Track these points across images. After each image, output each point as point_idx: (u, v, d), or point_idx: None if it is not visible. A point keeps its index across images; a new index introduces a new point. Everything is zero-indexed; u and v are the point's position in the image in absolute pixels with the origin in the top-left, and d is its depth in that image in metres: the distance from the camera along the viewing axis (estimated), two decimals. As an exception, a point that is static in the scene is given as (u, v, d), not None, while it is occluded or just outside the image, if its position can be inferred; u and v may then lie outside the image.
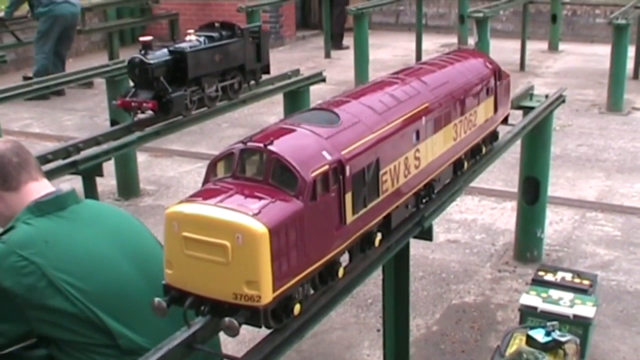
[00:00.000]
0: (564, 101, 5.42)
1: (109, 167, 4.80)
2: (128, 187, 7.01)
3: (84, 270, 2.62)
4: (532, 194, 5.45)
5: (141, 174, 7.23)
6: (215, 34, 4.89)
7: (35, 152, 4.70)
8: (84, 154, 4.28)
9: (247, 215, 2.04)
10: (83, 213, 2.79)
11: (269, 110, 9.34)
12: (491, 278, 5.38)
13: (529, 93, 5.31)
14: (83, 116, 10.00)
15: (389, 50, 13.96)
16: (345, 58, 12.59)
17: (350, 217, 2.40)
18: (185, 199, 2.19)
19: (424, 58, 12.02)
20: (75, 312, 2.57)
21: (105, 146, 4.41)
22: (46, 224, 2.68)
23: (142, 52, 4.50)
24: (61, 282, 2.56)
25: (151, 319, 2.30)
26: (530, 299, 4.09)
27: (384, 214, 2.70)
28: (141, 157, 7.52)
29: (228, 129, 9.04)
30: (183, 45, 4.63)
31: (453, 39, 14.40)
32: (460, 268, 5.52)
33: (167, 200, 6.86)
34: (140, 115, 4.79)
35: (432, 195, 3.21)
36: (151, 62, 4.42)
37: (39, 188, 2.78)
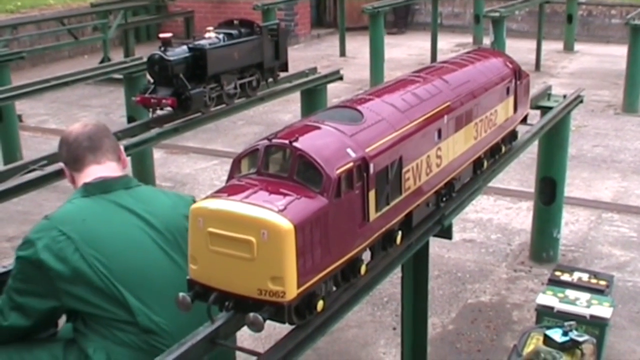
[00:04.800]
0: (581, 101, 5.42)
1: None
2: (144, 183, 6.99)
3: (113, 250, 2.79)
4: (548, 194, 5.44)
5: (157, 170, 7.23)
6: (234, 32, 4.90)
7: (53, 149, 4.74)
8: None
9: (273, 212, 2.05)
10: (126, 198, 2.95)
11: (284, 108, 9.35)
12: (507, 278, 5.37)
13: (547, 93, 5.30)
14: (99, 112, 10.02)
15: (404, 50, 13.96)
16: (360, 57, 12.59)
17: (373, 215, 2.41)
18: (210, 195, 2.20)
19: (440, 57, 12.02)
20: (101, 286, 2.73)
21: (124, 142, 4.42)
22: (87, 204, 2.89)
23: (162, 49, 4.52)
24: (91, 258, 2.73)
25: (171, 303, 2.34)
26: (547, 299, 4.08)
27: (406, 212, 2.70)
28: (157, 154, 7.53)
29: (243, 127, 9.06)
30: (202, 42, 4.65)
31: (468, 39, 14.39)
32: (475, 267, 5.52)
33: (183, 197, 6.88)
34: (159, 112, 4.80)
35: (452, 194, 3.21)
36: (171, 59, 4.44)
37: (98, 171, 2.99)
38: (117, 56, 12.06)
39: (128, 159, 5.37)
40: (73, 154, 3.02)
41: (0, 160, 7.38)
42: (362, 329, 4.72)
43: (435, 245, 5.36)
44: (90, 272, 2.72)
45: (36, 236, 2.77)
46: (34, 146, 8.09)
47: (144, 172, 6.96)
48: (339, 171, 2.21)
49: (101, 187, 2.94)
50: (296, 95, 6.22)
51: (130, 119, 6.27)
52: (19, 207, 6.37)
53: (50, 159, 4.26)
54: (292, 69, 5.76)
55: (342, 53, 13.51)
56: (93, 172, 2.99)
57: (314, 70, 6.14)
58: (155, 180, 7.11)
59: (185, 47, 4.60)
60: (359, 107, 2.61)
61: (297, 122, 2.52)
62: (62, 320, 3.08)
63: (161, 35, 4.59)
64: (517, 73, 3.81)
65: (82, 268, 2.72)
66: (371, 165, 2.37)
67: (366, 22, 11.67)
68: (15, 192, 3.98)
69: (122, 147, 3.26)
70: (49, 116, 9.91)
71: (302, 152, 2.20)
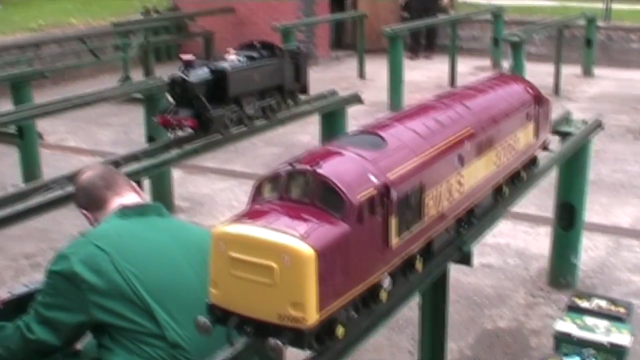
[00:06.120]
0: (601, 128, 5.40)
1: (144, 182, 4.89)
2: (162, 203, 6.91)
3: (147, 264, 2.88)
4: (567, 219, 5.42)
5: (175, 190, 7.26)
6: (255, 54, 4.92)
7: (72, 167, 4.77)
8: (124, 170, 4.31)
9: (295, 237, 2.05)
10: (160, 223, 3.09)
11: (302, 130, 9.35)
12: (525, 303, 5.35)
13: (566, 118, 5.29)
14: (118, 131, 10.07)
15: (423, 72, 13.97)
16: (379, 79, 12.60)
17: (394, 241, 2.41)
18: (232, 219, 2.20)
19: (459, 80, 12.04)
20: (133, 299, 2.81)
21: (145, 163, 4.44)
22: (123, 223, 3.02)
23: (183, 70, 4.54)
24: (125, 271, 2.82)
25: None
26: (565, 325, 4.06)
27: (427, 238, 2.70)
28: (175, 174, 7.54)
29: (262, 148, 9.07)
30: (224, 64, 4.67)
31: (486, 62, 14.39)
32: (493, 292, 5.50)
33: (201, 217, 6.89)
34: (179, 133, 4.82)
35: (473, 220, 3.21)
36: (192, 80, 4.46)
37: (123, 201, 3.14)
38: (137, 75, 12.14)
39: (146, 181, 5.40)
40: (92, 195, 3.17)
41: (20, 178, 7.42)
42: (379, 354, 4.71)
43: (453, 270, 5.27)
44: (123, 284, 2.81)
45: (71, 251, 2.88)
46: (54, 164, 8.13)
47: (162, 191, 6.99)
48: (360, 197, 2.22)
49: (137, 210, 3.09)
50: (314, 116, 6.23)
51: (150, 139, 6.31)
52: (38, 225, 6.38)
53: (71, 178, 4.28)
54: (311, 90, 5.77)
55: (361, 75, 13.54)
56: (116, 203, 3.13)
57: (333, 92, 6.15)
58: (173, 200, 7.13)
59: (206, 69, 4.62)
60: (380, 133, 2.62)
61: (319, 147, 2.53)
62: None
63: (183, 56, 4.61)
64: (538, 99, 3.80)
65: (116, 280, 2.80)
66: (393, 191, 2.37)
67: (385, 44, 11.68)
68: (36, 212, 4.01)
69: (133, 183, 3.40)
70: (69, 134, 9.96)
71: (324, 177, 2.20)
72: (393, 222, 2.39)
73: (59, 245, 6.15)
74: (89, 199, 3.17)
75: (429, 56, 15.65)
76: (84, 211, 3.20)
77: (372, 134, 2.62)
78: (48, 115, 6.53)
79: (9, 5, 18.37)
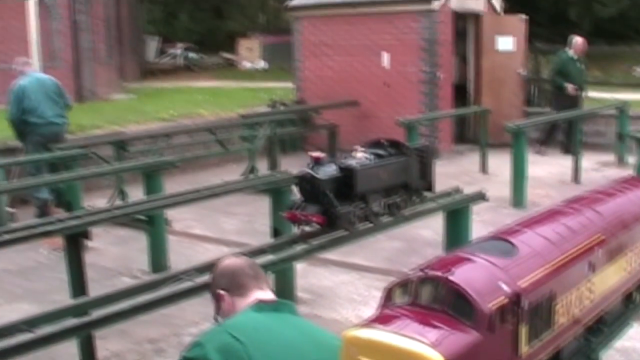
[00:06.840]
0: None
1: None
2: (285, 295, 7.06)
3: (279, 358, 2.92)
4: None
5: (297, 281, 7.31)
6: (382, 151, 5.01)
7: (198, 255, 4.91)
8: (252, 264, 4.41)
9: (425, 344, 2.08)
10: (294, 321, 3.15)
11: (424, 224, 9.29)
12: (654, 412, 5.17)
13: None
14: (243, 221, 10.25)
15: (545, 167, 13.77)
16: (501, 174, 12.50)
17: (524, 350, 2.41)
18: (363, 323, 2.25)
19: (583, 177, 11.85)
20: None
21: (272, 257, 4.54)
22: (259, 317, 3.09)
23: (312, 166, 4.65)
24: None
25: None
26: None
27: (556, 347, 2.68)
28: (298, 265, 7.60)
29: (384, 241, 9.05)
30: (351, 162, 4.76)
31: (610, 157, 14.13)
32: (621, 399, 5.33)
33: (323, 310, 6.92)
34: (305, 228, 4.91)
35: (602, 327, 3.16)
36: (321, 177, 4.56)
37: (262, 295, 3.22)
38: (262, 164, 12.39)
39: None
40: (238, 281, 3.24)
41: (147, 263, 7.64)
42: None
43: (579, 373, 5.21)
44: None
45: (206, 339, 2.97)
46: (181, 251, 8.32)
47: (285, 283, 7.04)
48: (492, 305, 2.24)
49: (273, 306, 3.16)
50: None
51: (276, 232, 6.43)
52: (162, 310, 6.54)
53: (200, 269, 4.42)
54: (435, 184, 5.79)
55: (483, 169, 13.46)
56: (256, 295, 3.21)
57: (457, 190, 6.17)
58: (295, 291, 7.19)
59: (334, 166, 4.73)
60: (510, 239, 2.64)
61: (450, 254, 2.56)
62: None
63: (312, 154, 4.73)
64: (669, 203, 3.75)
65: None
66: (524, 300, 2.38)
67: (507, 138, 11.61)
68: (166, 302, 4.14)
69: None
70: (196, 222, 10.18)
71: (456, 285, 2.23)
72: (523, 330, 2.39)
73: (183, 332, 6.31)
74: (234, 282, 3.24)
75: (570, 151, 15.24)
76: (222, 292, 3.25)
77: (503, 240, 2.64)
78: (178, 205, 6.74)
79: (143, 96, 19.18)
